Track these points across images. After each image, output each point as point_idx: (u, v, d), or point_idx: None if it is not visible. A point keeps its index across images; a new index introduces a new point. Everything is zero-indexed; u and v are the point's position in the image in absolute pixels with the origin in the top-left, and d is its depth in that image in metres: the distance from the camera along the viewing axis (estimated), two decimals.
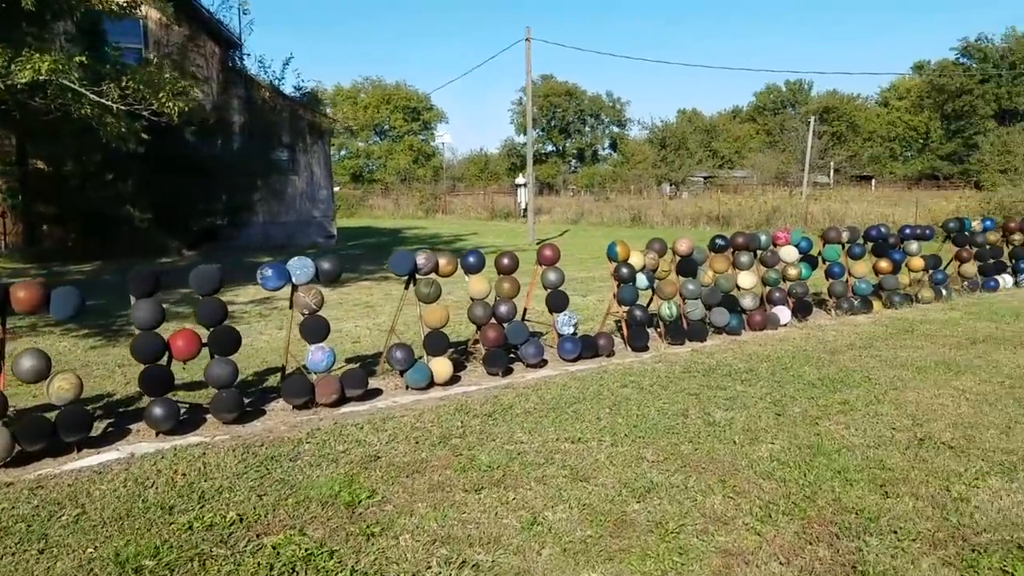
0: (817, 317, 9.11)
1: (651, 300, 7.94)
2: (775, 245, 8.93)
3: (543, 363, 6.68)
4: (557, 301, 6.79)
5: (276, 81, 19.89)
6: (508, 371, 6.37)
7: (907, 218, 21.38)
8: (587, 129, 72.89)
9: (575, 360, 6.75)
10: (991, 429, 4.95)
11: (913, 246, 10.11)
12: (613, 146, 74.35)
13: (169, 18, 15.75)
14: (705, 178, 71.25)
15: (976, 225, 10.97)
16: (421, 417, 5.21)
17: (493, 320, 6.42)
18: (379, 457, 4.47)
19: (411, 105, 59.03)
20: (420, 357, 5.99)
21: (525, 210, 33.40)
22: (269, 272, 5.36)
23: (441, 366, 5.78)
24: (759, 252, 8.71)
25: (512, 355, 6.63)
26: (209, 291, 5.19)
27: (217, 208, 17.62)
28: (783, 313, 8.49)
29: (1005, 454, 4.48)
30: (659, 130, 56.97)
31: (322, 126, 21.30)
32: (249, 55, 20.66)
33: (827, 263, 9.27)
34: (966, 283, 10.60)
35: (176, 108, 10.84)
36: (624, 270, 7.30)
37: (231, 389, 5.12)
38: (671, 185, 52.73)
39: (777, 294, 8.58)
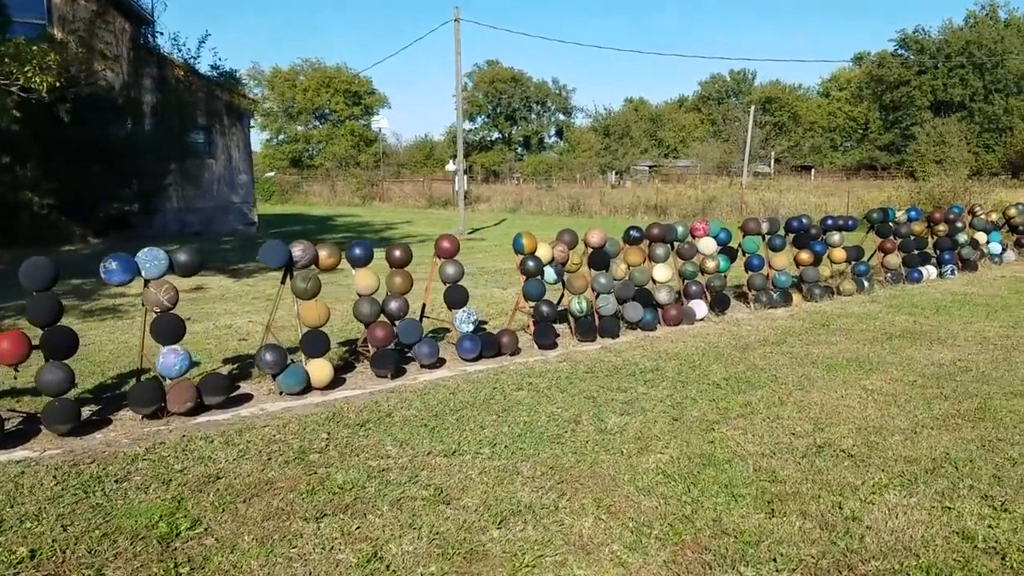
0: (736, 311, 8.85)
1: (563, 295, 7.55)
2: (693, 237, 8.63)
3: (440, 363, 6.22)
4: (456, 296, 6.33)
5: (191, 60, 18.89)
6: (399, 372, 5.89)
7: (840, 208, 21.50)
8: (533, 116, 72.42)
9: (475, 360, 6.31)
10: (896, 435, 4.67)
11: (835, 237, 9.93)
12: (559, 134, 74.08)
13: None
14: (650, 167, 71.62)
15: (900, 215, 10.86)
16: (284, 428, 4.70)
17: (383, 318, 5.93)
18: (219, 477, 3.96)
19: (352, 89, 57.70)
20: (299, 359, 5.47)
21: (464, 197, 32.85)
22: (113, 265, 4.76)
23: (319, 369, 5.27)
24: (676, 244, 8.39)
25: (408, 355, 6.16)
26: (41, 286, 4.58)
27: (127, 193, 16.61)
28: (699, 307, 8.19)
29: (907, 463, 4.19)
30: (603, 118, 56.79)
31: (241, 107, 20.28)
32: (162, 33, 19.45)
33: (746, 255, 9.00)
34: (889, 275, 10.48)
35: (45, 83, 10.00)
36: (530, 263, 6.87)
37: (65, 397, 4.54)
38: (616, 174, 52.64)
39: (694, 288, 8.28)
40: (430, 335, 6.64)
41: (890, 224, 10.64)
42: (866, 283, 9.98)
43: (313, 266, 5.57)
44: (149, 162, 16.58)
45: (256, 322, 8.12)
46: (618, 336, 7.43)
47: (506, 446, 4.38)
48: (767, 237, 9.26)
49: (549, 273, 7.02)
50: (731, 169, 52.26)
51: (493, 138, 74.20)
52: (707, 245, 8.57)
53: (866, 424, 4.86)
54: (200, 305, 9.29)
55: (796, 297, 9.19)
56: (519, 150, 73.47)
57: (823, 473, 4.05)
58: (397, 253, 6.00)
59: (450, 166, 27.58)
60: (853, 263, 10.13)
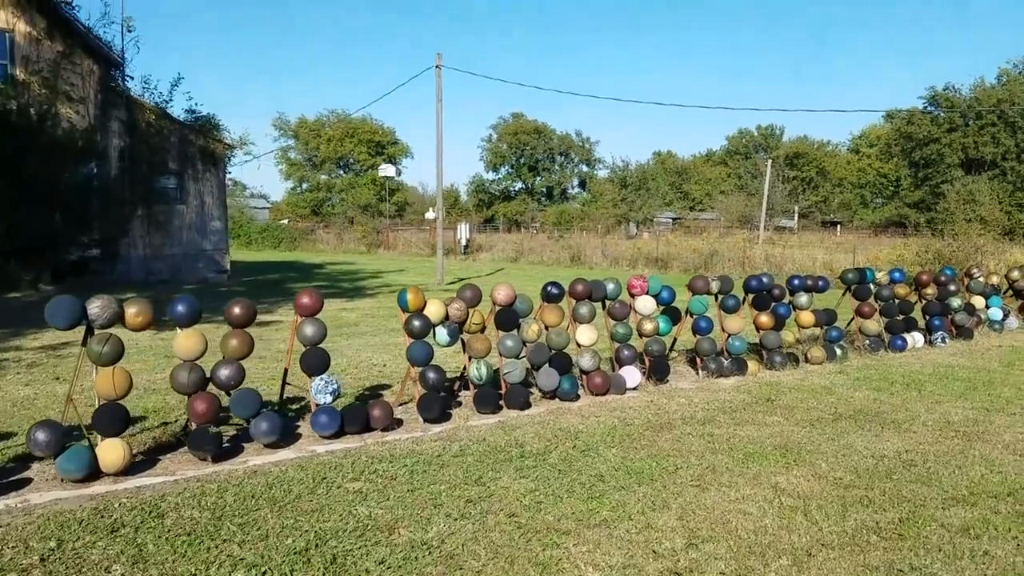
0: (681, 379, 7.93)
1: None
2: (631, 295, 7.78)
3: (292, 440, 5.40)
4: (313, 361, 5.53)
5: (163, 103, 18.66)
6: (224, 454, 5.03)
7: (847, 266, 20.38)
8: (556, 167, 72.34)
9: (334, 436, 5.48)
10: (783, 557, 3.73)
11: (803, 299, 8.99)
12: (582, 185, 73.83)
13: (39, 32, 14.52)
14: (673, 219, 70.81)
15: (882, 277, 9.88)
16: (24, 529, 3.87)
17: (212, 387, 5.14)
18: None
19: (375, 139, 58.17)
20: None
21: (466, 246, 32.35)
22: None
23: (109, 451, 4.47)
24: (607, 303, 7.55)
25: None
26: None
27: (87, 239, 16.20)
28: (632, 375, 7.28)
29: None
30: (620, 169, 56.38)
31: (216, 152, 19.96)
32: (132, 77, 19.30)
33: (693, 317, 8.11)
34: (868, 342, 9.46)
35: None
36: (416, 323, 6.07)
37: None
38: (635, 225, 51.92)
39: (626, 353, 7.38)
40: (275, 410, 5.84)
41: (869, 285, 9.66)
42: (838, 351, 8.98)
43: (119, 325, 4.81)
44: (111, 207, 16.19)
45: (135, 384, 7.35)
46: (528, 407, 6.56)
47: (266, 571, 3.48)
48: (719, 297, 8.37)
49: (441, 334, 6.21)
50: (753, 223, 51.21)
51: (516, 188, 74.21)
52: (645, 304, 7.71)
53: (753, 540, 3.92)
54: (70, 362, 8.56)
55: (753, 365, 8.23)
56: (542, 200, 73.27)
57: None
58: (236, 310, 5.23)
59: (430, 214, 26.92)
60: (825, 328, 9.15)
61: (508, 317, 6.63)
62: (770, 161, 42.86)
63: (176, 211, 19.69)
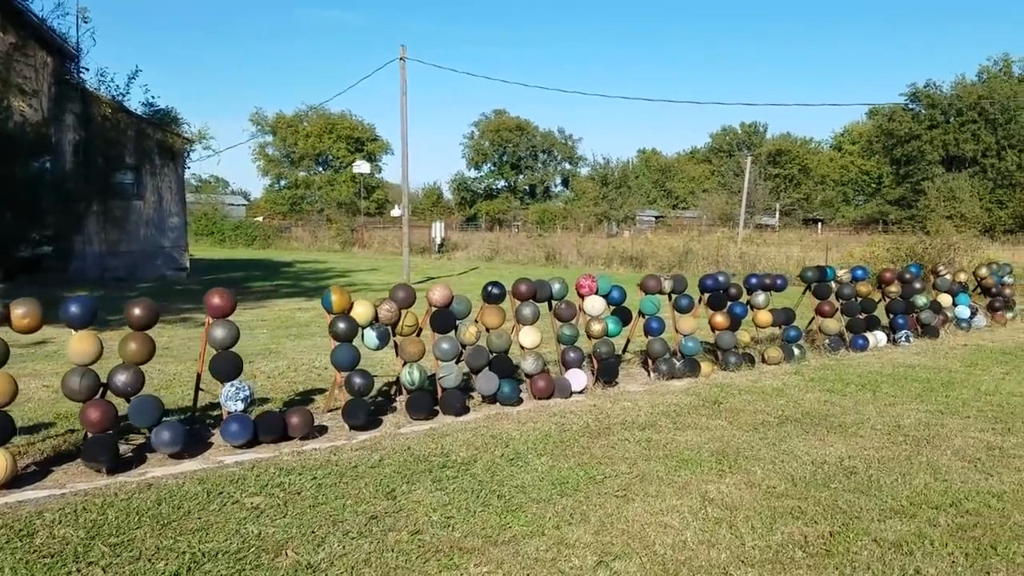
0: (632, 381, 7.68)
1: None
2: (579, 295, 7.52)
3: (202, 449, 5.10)
4: (224, 367, 5.22)
5: (119, 96, 18.20)
6: (122, 466, 4.70)
7: (819, 262, 20.20)
8: (539, 165, 72.05)
9: (246, 446, 5.18)
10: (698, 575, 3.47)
11: (760, 298, 8.76)
12: (565, 183, 73.59)
13: None
14: (656, 217, 70.75)
15: (843, 274, 9.67)
16: None
17: (110, 394, 4.83)
18: None
19: (355, 135, 57.63)
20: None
21: (441, 245, 32.03)
22: None
23: None
24: (553, 303, 7.28)
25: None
26: None
27: (39, 235, 15.75)
28: (578, 378, 7.02)
29: None
30: (600, 167, 56.11)
31: (174, 146, 19.51)
32: (88, 69, 18.79)
33: (645, 317, 7.85)
34: (828, 341, 9.25)
35: None
36: (341, 325, 5.78)
37: None
38: (616, 224, 51.74)
39: (572, 355, 7.11)
40: (185, 417, 5.51)
41: (829, 284, 9.45)
42: (796, 351, 8.76)
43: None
44: (65, 202, 15.76)
45: (52, 387, 6.99)
46: (466, 412, 6.29)
47: None
48: (672, 297, 8.12)
49: (370, 337, 5.92)
50: (734, 220, 51.15)
51: (499, 186, 73.85)
52: (594, 305, 7.45)
53: (668, 557, 3.66)
54: (17, 363, 8.25)
55: (707, 366, 7.99)
56: (525, 198, 72.96)
57: None
58: (136, 311, 4.91)
59: (395, 211, 26.57)
60: (783, 327, 8.93)
61: (444, 319, 6.34)
62: (749, 159, 42.60)
63: (133, 207, 19.21)
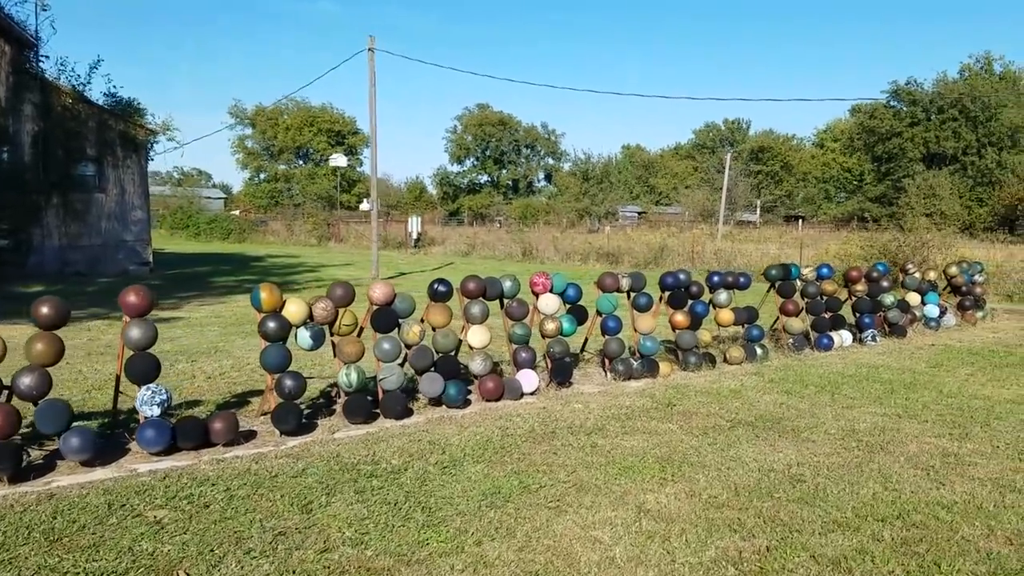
0: (587, 381, 7.45)
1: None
2: (533, 293, 7.27)
3: (107, 459, 4.79)
4: (140, 368, 4.93)
5: (80, 86, 17.73)
6: (26, 474, 4.41)
7: (794, 260, 20.10)
8: (522, 160, 71.74)
9: (164, 453, 4.89)
10: None
11: (722, 296, 8.56)
12: (548, 178, 73.33)
13: None
14: (639, 213, 70.69)
15: (808, 272, 9.48)
16: None
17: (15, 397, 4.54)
18: None
19: (335, 128, 57.02)
20: None
21: (417, 240, 31.70)
22: None
23: None
24: (505, 302, 7.03)
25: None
26: None
27: None
28: (529, 379, 6.78)
29: None
30: (581, 163, 55.84)
31: (137, 138, 19.06)
32: (48, 57, 18.25)
33: (601, 316, 7.63)
34: (792, 341, 9.06)
35: None
36: (271, 324, 5.50)
37: None
38: (598, 219, 51.55)
39: (524, 355, 6.87)
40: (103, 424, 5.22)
41: (793, 282, 9.26)
42: (758, 350, 8.57)
43: None
44: (23, 194, 15.29)
45: None
46: (409, 415, 6.04)
47: None
48: (631, 295, 7.90)
49: (303, 336, 5.65)
50: (716, 217, 51.14)
51: (482, 181, 73.50)
52: (548, 303, 7.21)
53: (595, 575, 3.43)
54: None
55: (666, 367, 7.77)
56: (508, 193, 72.65)
57: None
58: (43, 310, 4.61)
59: (364, 205, 26.24)
60: (746, 327, 8.73)
61: (386, 318, 6.08)
62: (729, 155, 42.54)
63: (94, 199, 18.72)
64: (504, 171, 71.17)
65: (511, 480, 4.61)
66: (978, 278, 12.10)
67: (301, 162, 58.56)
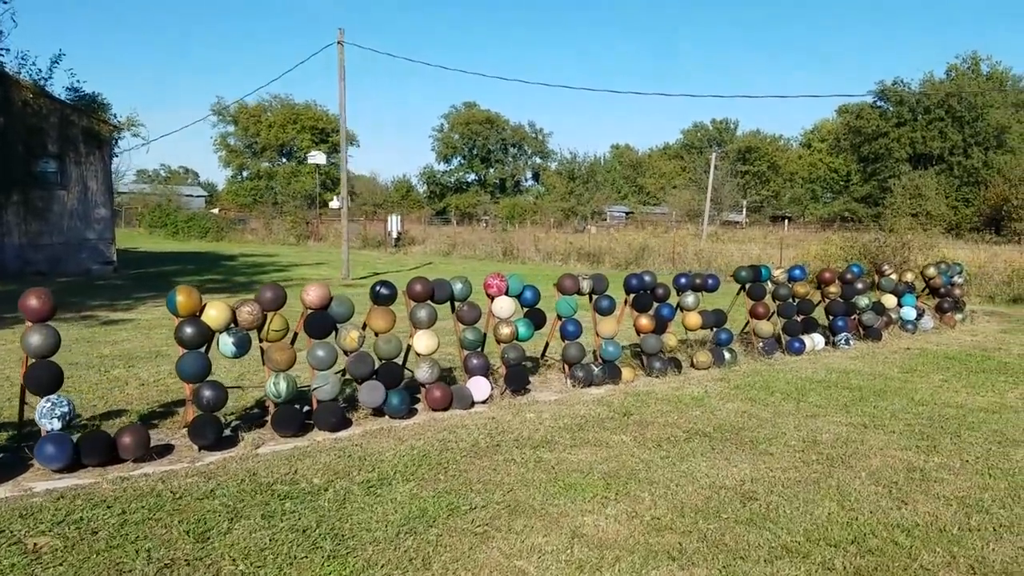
0: (545, 389, 7.10)
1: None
2: (488, 295, 6.92)
3: (3, 476, 4.41)
4: (40, 378, 4.55)
5: (42, 81, 17.23)
6: None
7: (774, 261, 19.82)
8: (509, 159, 71.34)
9: (68, 470, 4.51)
10: None
11: (689, 299, 8.22)
12: (536, 177, 72.97)
13: None
14: (627, 213, 70.47)
15: (779, 274, 9.16)
16: None
17: None
18: None
19: (319, 126, 56.40)
20: None
21: (397, 239, 31.27)
22: None
23: None
24: (456, 305, 6.67)
25: None
26: None
27: None
28: (480, 387, 6.42)
29: None
30: (568, 162, 55.48)
31: (101, 134, 18.53)
32: (8, 50, 17.72)
33: (560, 320, 7.28)
34: (762, 345, 8.74)
35: None
36: (188, 330, 5.12)
37: None
38: (584, 219, 51.22)
39: (475, 361, 6.51)
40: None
41: (763, 284, 8.94)
42: (727, 355, 8.24)
43: None
44: None
45: None
46: (347, 427, 5.67)
47: None
48: (593, 297, 7.55)
49: (225, 343, 5.27)
50: (702, 217, 50.91)
51: (469, 180, 73.06)
52: (503, 306, 6.86)
53: None
54: None
55: (628, 372, 7.43)
56: (495, 193, 72.24)
57: None
58: None
59: (334, 203, 25.75)
60: (714, 330, 8.41)
61: (320, 322, 5.70)
62: (714, 155, 42.30)
63: (56, 197, 18.18)
64: (491, 170, 70.77)
65: (440, 501, 4.25)
66: (957, 279, 11.82)
67: (284, 160, 57.90)
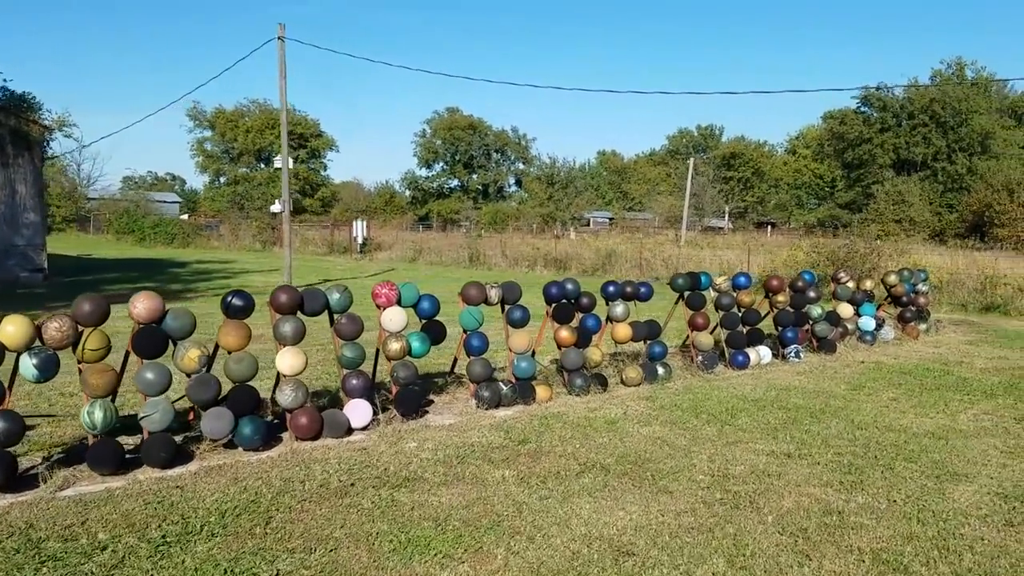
0: (447, 410, 6.30)
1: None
2: (376, 306, 6.13)
3: None
4: None
5: None
6: None
7: (743, 267, 19.13)
8: (492, 165, 70.61)
9: None
10: None
11: (618, 309, 7.45)
12: (519, 183, 72.25)
13: None
14: (610, 219, 69.87)
15: (722, 282, 8.41)
16: None
17: None
18: None
19: (297, 131, 55.46)
20: None
21: (363, 245, 30.45)
22: None
23: None
24: (334, 317, 5.88)
25: None
26: None
27: None
28: (359, 411, 5.62)
29: None
30: (547, 167, 54.79)
31: (31, 135, 17.60)
32: None
33: (465, 333, 6.50)
34: (702, 358, 7.98)
35: None
36: None
37: None
38: (563, 224, 50.54)
39: (355, 381, 5.71)
40: None
41: (703, 294, 8.19)
42: (660, 370, 7.47)
43: None
44: None
45: None
46: (185, 461, 4.87)
47: None
48: (506, 308, 6.78)
49: (27, 365, 4.46)
50: (683, 222, 50.29)
51: (451, 185, 72.25)
52: (393, 318, 6.07)
53: None
54: None
55: (543, 391, 6.65)
56: (478, 198, 71.44)
57: None
58: None
59: (275, 207, 24.93)
60: (647, 343, 7.64)
61: (150, 339, 4.89)
62: (692, 160, 41.69)
63: None
64: (474, 176, 69.98)
65: (235, 568, 3.44)
66: (921, 287, 11.10)
67: (263, 165, 56.88)
